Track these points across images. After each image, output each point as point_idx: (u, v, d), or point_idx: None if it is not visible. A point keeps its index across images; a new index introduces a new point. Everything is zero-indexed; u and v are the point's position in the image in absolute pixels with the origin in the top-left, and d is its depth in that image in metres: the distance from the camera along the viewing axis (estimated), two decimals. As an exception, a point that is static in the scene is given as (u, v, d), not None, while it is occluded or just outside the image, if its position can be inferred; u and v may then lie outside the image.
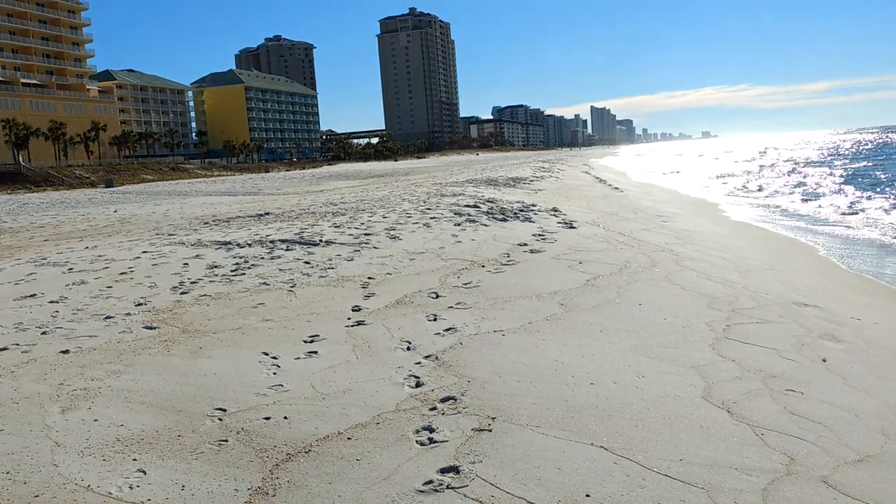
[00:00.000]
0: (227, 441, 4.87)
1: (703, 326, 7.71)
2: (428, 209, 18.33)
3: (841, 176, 39.42)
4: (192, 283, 10.12)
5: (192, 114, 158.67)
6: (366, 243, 12.80)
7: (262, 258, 11.77)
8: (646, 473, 4.31)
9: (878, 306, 9.68)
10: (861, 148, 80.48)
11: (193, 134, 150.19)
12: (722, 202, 26.77)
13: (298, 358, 6.69)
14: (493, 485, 4.18)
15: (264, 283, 9.89)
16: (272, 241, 13.32)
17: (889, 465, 4.61)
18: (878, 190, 29.39)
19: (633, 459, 4.49)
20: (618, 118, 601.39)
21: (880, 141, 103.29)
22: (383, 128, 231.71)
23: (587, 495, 4.05)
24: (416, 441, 4.80)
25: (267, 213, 20.23)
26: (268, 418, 5.24)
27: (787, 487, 4.21)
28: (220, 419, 5.28)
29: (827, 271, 12.47)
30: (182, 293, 9.53)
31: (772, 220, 20.42)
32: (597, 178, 39.03)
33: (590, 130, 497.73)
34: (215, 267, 11.21)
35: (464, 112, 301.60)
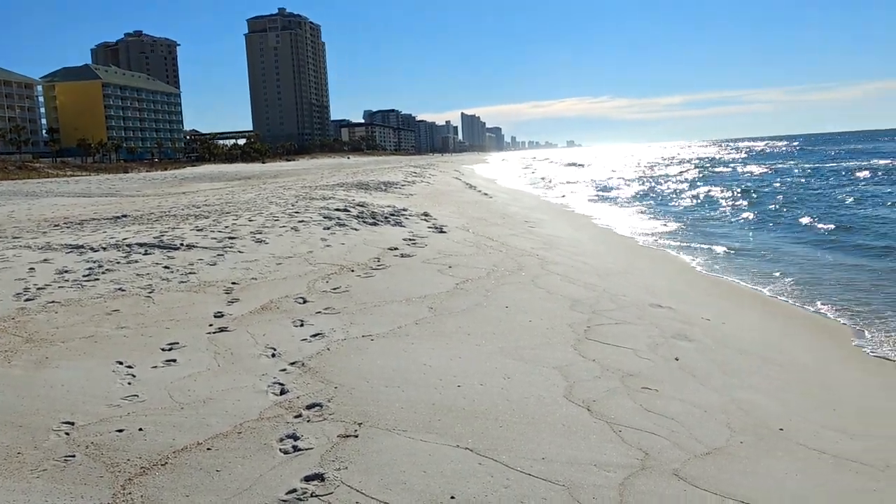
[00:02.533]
0: (74, 456, 4.56)
1: (566, 328, 7.95)
2: (296, 212, 18.00)
3: (692, 185, 41.81)
4: (38, 289, 9.46)
5: (43, 110, 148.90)
6: (230, 247, 12.40)
7: (118, 262, 11.17)
8: (509, 473, 4.38)
9: (726, 307, 10.30)
10: (724, 157, 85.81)
11: (44, 131, 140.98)
12: (585, 209, 27.80)
13: (156, 367, 6.38)
14: (358, 491, 4.13)
15: (120, 289, 9.38)
16: (129, 245, 12.67)
17: (734, 457, 4.89)
18: (725, 203, 31.34)
19: (497, 460, 4.55)
20: (487, 125, 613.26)
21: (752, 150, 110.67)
22: (251, 129, 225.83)
23: (452, 497, 4.06)
24: (280, 449, 4.67)
25: (124, 216, 19.26)
26: (121, 431, 4.95)
27: (641, 482, 4.38)
28: (67, 433, 4.94)
29: (680, 274, 13.17)
30: (27, 300, 8.89)
31: (630, 226, 21.37)
32: (467, 183, 39.62)
33: (460, 137, 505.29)
34: (66, 272, 10.52)
35: (335, 115, 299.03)
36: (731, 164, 69.16)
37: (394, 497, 4.07)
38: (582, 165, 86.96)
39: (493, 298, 9.17)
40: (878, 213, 22.49)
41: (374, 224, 16.00)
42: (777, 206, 26.58)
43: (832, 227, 19.76)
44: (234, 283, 9.75)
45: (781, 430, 5.46)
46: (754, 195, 32.03)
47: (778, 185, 38.76)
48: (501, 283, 10.13)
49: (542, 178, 56.43)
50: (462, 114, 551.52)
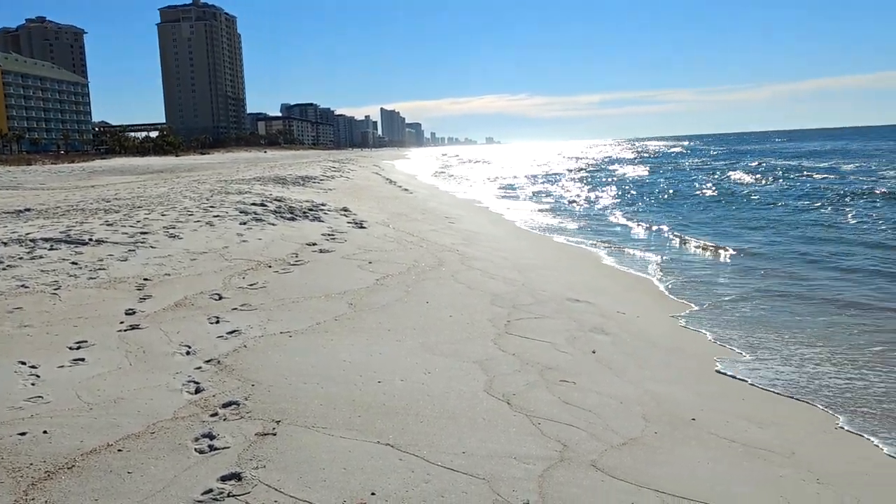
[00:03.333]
0: (-28, 462, 4.32)
1: (487, 323, 8.01)
2: (212, 207, 17.57)
3: (596, 183, 42.77)
4: (-67, 286, 8.94)
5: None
6: (142, 242, 12.00)
7: (21, 258, 10.66)
8: (430, 468, 4.37)
9: (641, 301, 10.56)
10: (645, 157, 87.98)
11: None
12: (502, 205, 28.09)
13: (62, 366, 6.11)
14: (276, 489, 4.05)
15: (22, 286, 8.95)
16: (33, 240, 12.10)
17: (649, 447, 5.02)
18: (647, 200, 32.18)
19: (418, 455, 4.54)
20: (407, 121, 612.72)
21: (667, 149, 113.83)
22: (164, 121, 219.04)
23: (372, 493, 4.03)
24: (195, 449, 4.54)
25: (28, 210, 18.39)
26: (23, 434, 4.72)
27: (560, 473, 4.45)
28: (-35, 438, 4.68)
29: (597, 269, 13.43)
30: (-80, 298, 8.39)
31: (545, 223, 21.69)
32: (387, 179, 39.49)
33: (380, 132, 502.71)
34: (-37, 268, 9.98)
35: (251, 108, 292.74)
36: (633, 163, 71.03)
37: (313, 495, 4.01)
38: (490, 162, 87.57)
39: (414, 294, 9.16)
40: (720, 214, 23.40)
41: (292, 219, 15.77)
42: (658, 204, 27.40)
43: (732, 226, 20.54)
44: (146, 280, 9.45)
45: (694, 419, 5.63)
46: (635, 193, 33.04)
47: (663, 182, 40.02)
48: (422, 279, 10.13)
49: (460, 175, 56.73)
50: (381, 109, 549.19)
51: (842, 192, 28.00)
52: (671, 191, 33.76)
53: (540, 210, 26.08)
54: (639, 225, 20.95)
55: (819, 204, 24.65)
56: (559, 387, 6.11)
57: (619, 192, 34.25)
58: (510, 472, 4.40)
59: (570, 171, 60.19)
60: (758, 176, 41.65)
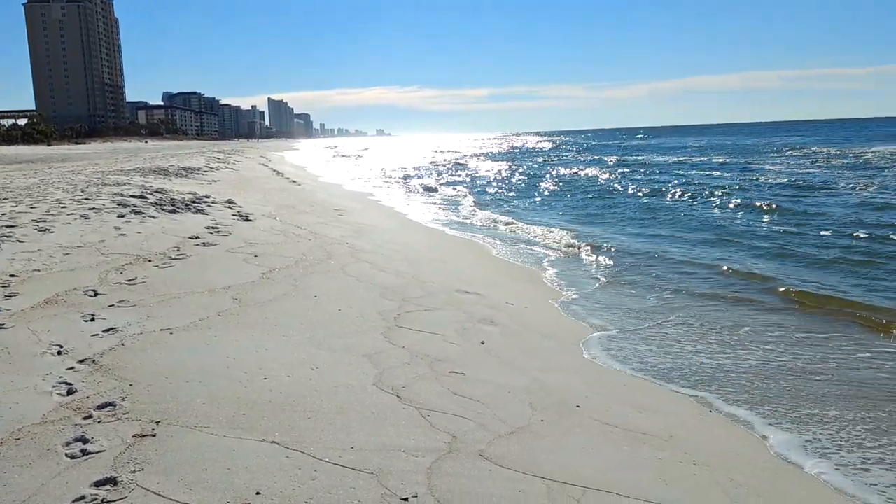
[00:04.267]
0: None
1: (376, 316, 7.96)
2: (87, 199, 16.69)
3: (501, 175, 43.39)
4: None
5: None
6: (8, 236, 11.26)
7: None
8: (318, 465, 4.29)
9: (528, 291, 10.77)
10: (532, 147, 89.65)
11: None
12: (390, 198, 28.02)
13: (-85, 370, 5.64)
14: (155, 493, 3.87)
15: None
16: None
17: (536, 435, 5.11)
18: (530, 191, 32.84)
19: (305, 452, 4.45)
20: (296, 111, 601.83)
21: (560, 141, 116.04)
22: (33, 108, 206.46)
23: (257, 493, 3.92)
24: (67, 454, 4.29)
25: None
26: None
27: (448, 464, 4.46)
28: None
29: (486, 261, 13.61)
30: None
31: (433, 215, 21.80)
32: (274, 170, 38.65)
33: (268, 122, 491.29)
34: None
35: (131, 97, 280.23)
36: (512, 157, 72.56)
37: (195, 497, 3.86)
38: (381, 154, 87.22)
39: (302, 288, 9.00)
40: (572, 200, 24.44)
41: (174, 211, 15.19)
42: (547, 194, 28.20)
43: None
44: (12, 276, 8.86)
45: (578, 407, 5.78)
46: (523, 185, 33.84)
47: (549, 177, 41.15)
48: (310, 272, 9.97)
49: (351, 166, 56.25)
50: (269, 99, 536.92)
51: (697, 186, 29.47)
52: (559, 185, 34.62)
53: (430, 202, 26.19)
54: (519, 218, 21.35)
55: (676, 197, 25.86)
56: (448, 378, 6.13)
57: (505, 187, 34.82)
58: (399, 465, 4.38)
59: (456, 162, 60.72)
60: (624, 170, 43.29)
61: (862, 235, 15.70)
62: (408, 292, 9.30)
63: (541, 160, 64.10)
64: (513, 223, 19.96)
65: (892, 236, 15.37)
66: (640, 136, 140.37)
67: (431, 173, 47.23)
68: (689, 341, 8.42)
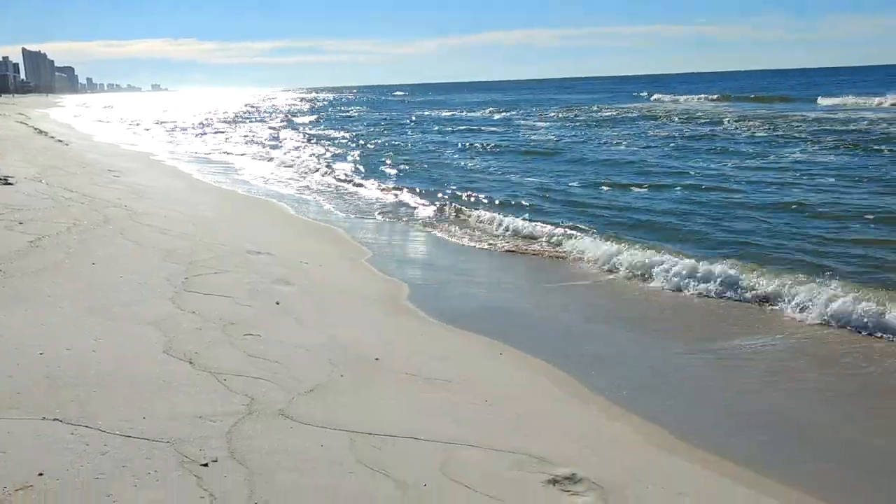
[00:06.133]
0: None
1: (163, 281, 7.59)
2: None
3: (289, 132, 42.37)
4: None
5: None
6: None
7: None
8: (108, 438, 4.07)
9: (325, 249, 10.72)
10: (308, 107, 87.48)
11: None
12: (170, 156, 26.53)
13: None
14: (-84, 488, 3.50)
15: None
16: None
17: (337, 390, 5.17)
18: (315, 141, 32.39)
19: (92, 426, 4.20)
20: (57, 64, 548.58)
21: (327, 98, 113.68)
22: None
23: (40, 474, 3.65)
24: None
25: None
26: None
27: (248, 426, 4.41)
28: None
29: (280, 220, 13.34)
30: None
31: (230, 176, 20.96)
32: (36, 129, 35.14)
33: (24, 76, 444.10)
34: None
35: None
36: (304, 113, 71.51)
37: (-35, 487, 3.53)
38: (161, 110, 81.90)
39: (77, 255, 8.36)
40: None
41: (-83, 176, 13.44)
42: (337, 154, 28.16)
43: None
44: None
45: (377, 359, 5.90)
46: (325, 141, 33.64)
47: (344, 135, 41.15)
48: (86, 238, 9.27)
49: (128, 122, 52.46)
50: (24, 49, 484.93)
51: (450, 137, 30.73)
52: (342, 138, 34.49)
53: (219, 161, 25.09)
54: (311, 174, 21.10)
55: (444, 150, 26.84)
56: (244, 341, 6.02)
57: (298, 142, 34.14)
58: (197, 431, 4.26)
59: (245, 117, 58.53)
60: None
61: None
62: (195, 255, 8.94)
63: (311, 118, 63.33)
64: (299, 180, 19.68)
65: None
66: (398, 93, 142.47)
67: (209, 130, 45.13)
68: (480, 289, 8.85)
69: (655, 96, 69.32)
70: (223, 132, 42.75)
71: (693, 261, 9.14)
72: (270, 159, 26.09)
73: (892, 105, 42.54)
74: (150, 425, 4.29)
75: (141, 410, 4.48)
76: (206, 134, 41.49)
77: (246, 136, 38.49)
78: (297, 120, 55.97)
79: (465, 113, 56.08)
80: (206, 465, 3.89)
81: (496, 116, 50.09)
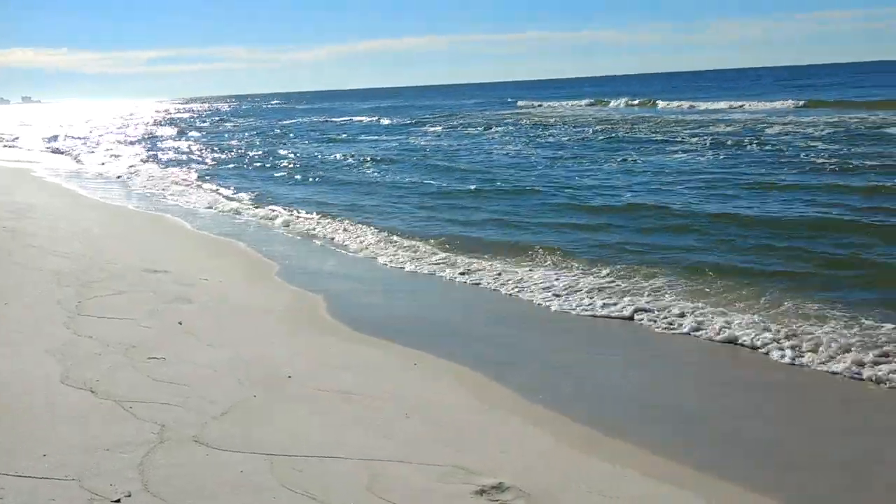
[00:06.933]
0: None
1: (55, 305, 7.17)
2: None
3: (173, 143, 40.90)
4: None
5: None
6: None
7: None
8: (3, 480, 3.78)
9: (222, 265, 10.37)
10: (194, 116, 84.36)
11: None
12: (49, 173, 25.15)
13: None
14: None
15: None
16: None
17: (251, 411, 4.99)
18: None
19: (-14, 469, 3.89)
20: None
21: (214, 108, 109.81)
22: None
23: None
24: None
25: None
26: None
27: (161, 455, 4.19)
28: None
29: (175, 236, 12.82)
30: None
31: (121, 193, 20.01)
32: None
33: None
34: None
35: None
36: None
37: None
38: (32, 125, 76.96)
39: (-45, 281, 7.80)
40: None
41: None
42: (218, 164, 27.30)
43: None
44: None
45: (290, 377, 5.73)
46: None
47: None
48: (-37, 263, 8.66)
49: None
50: None
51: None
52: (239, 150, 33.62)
53: (107, 178, 23.91)
54: (204, 188, 20.44)
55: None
56: (147, 364, 5.74)
57: (177, 156, 32.95)
58: (105, 465, 4.01)
59: (124, 131, 56.03)
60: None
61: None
62: (88, 276, 8.49)
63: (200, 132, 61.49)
64: (182, 194, 19.01)
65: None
66: (275, 101, 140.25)
67: (89, 143, 43.00)
68: (391, 299, 8.78)
69: (521, 103, 69.56)
70: (103, 143, 40.86)
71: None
72: (137, 173, 25.08)
73: (731, 107, 44.79)
74: (51, 462, 4.01)
75: (40, 447, 4.19)
76: (89, 148, 39.55)
77: (110, 151, 36.67)
78: (164, 132, 53.67)
79: (353, 120, 55.65)
80: (118, 501, 3.67)
81: (384, 122, 49.95)
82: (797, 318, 7.36)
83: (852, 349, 6.42)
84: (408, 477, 4.15)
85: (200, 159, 30.00)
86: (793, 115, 35.06)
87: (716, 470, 4.53)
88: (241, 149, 34.61)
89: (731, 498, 4.24)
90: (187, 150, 35.71)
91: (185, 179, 22.62)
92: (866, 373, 6.04)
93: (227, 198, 18.33)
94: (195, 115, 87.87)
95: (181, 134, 50.94)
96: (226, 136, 46.97)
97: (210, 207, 16.61)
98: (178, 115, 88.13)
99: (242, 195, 18.57)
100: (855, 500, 4.30)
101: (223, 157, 31.01)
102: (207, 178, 22.57)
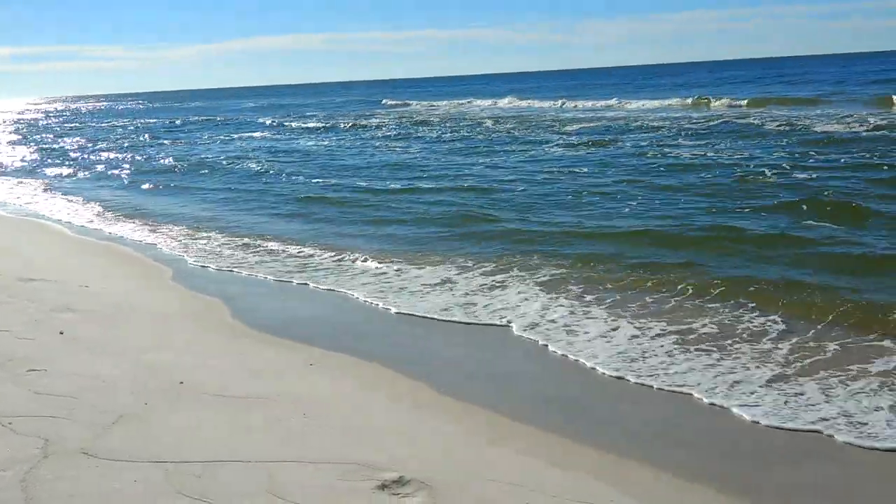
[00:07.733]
0: None
1: (-81, 319, 6.70)
2: None
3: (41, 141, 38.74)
4: None
5: None
6: None
7: None
8: None
9: (104, 269, 9.95)
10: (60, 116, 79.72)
11: None
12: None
13: None
14: None
15: None
16: None
17: (142, 420, 4.82)
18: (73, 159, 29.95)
19: None
20: None
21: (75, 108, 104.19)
22: None
23: None
24: None
25: None
26: None
27: (46, 470, 3.99)
28: None
29: (55, 241, 12.20)
30: None
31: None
32: None
33: None
34: None
35: None
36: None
37: None
38: None
39: None
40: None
41: None
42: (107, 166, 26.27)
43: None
44: None
45: (182, 383, 5.56)
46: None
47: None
48: None
49: None
50: None
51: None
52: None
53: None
54: (82, 193, 19.52)
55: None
56: (27, 377, 5.46)
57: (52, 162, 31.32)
58: (-18, 485, 3.79)
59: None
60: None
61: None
62: (-45, 287, 7.98)
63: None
64: (75, 198, 18.14)
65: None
66: (131, 101, 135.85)
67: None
68: (287, 300, 8.65)
69: (385, 101, 69.26)
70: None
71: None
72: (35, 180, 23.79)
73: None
74: (-76, 486, 3.76)
75: None
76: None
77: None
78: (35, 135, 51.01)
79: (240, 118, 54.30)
80: (0, 521, 3.48)
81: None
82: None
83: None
84: (309, 476, 4.12)
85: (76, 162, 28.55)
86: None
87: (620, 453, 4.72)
88: (127, 149, 33.19)
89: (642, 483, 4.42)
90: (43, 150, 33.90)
91: (67, 182, 21.52)
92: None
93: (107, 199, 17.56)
94: (65, 115, 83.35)
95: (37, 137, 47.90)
96: (103, 133, 44.87)
97: (86, 208, 15.86)
98: (37, 117, 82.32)
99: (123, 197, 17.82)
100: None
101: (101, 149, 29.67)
102: (84, 183, 21.52)
